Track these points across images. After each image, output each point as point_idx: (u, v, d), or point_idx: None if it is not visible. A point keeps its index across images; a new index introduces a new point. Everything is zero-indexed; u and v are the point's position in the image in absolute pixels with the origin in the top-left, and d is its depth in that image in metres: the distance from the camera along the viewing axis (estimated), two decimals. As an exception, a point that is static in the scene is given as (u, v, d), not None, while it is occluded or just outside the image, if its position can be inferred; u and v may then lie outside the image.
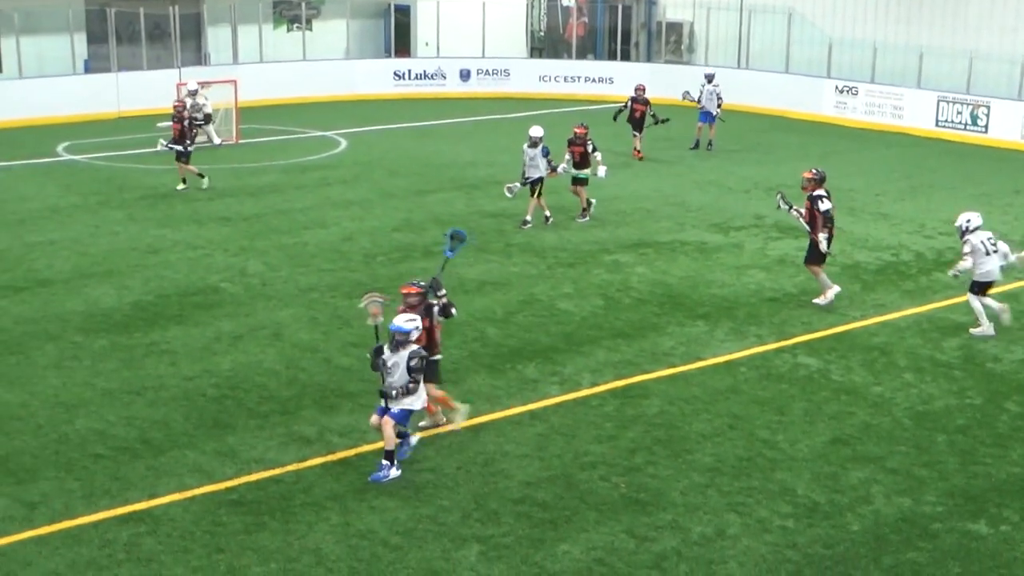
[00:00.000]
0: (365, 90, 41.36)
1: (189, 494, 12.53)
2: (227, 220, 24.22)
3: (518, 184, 23.60)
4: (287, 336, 17.41)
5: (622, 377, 15.99)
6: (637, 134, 31.69)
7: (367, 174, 29.09)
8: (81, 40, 38.46)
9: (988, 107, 34.87)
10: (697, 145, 32.91)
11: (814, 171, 19.08)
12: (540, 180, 23.49)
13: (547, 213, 23.87)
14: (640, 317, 18.49)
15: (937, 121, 35.93)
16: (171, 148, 26.81)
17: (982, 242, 17.88)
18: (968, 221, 17.98)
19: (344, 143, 33.24)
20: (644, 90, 31.97)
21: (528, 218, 23.68)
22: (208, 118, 32.42)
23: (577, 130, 24.31)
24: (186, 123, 26.71)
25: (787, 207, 19.22)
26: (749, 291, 19.93)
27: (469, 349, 16.89)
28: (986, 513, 12.43)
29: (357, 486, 12.74)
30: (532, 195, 23.60)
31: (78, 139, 31.82)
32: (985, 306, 17.90)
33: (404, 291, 13.48)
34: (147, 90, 36.45)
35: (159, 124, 32.66)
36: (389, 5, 44.86)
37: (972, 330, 17.91)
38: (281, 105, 38.60)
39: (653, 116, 31.12)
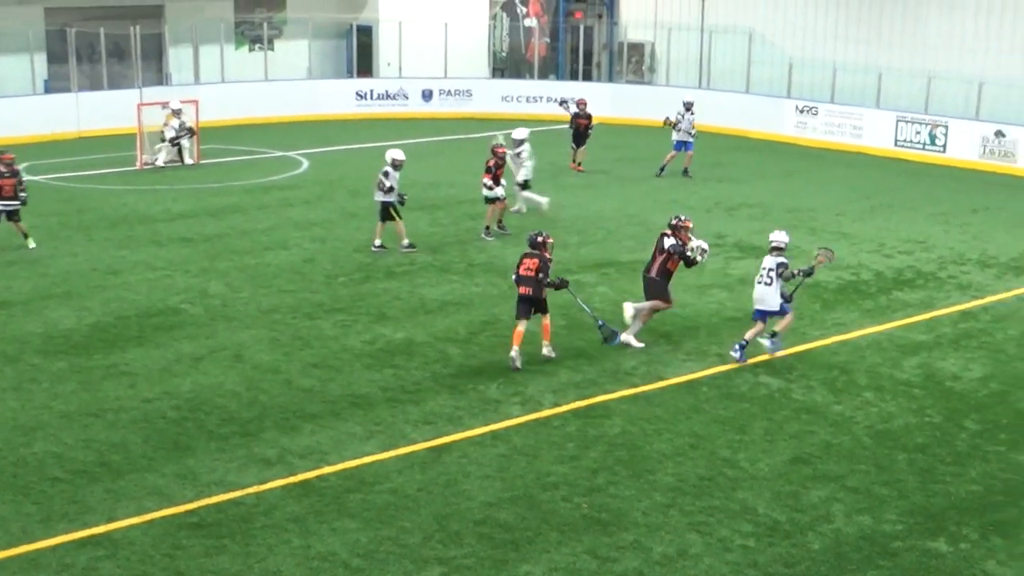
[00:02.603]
0: (327, 110, 41.30)
1: (148, 517, 12.44)
2: (188, 241, 24.12)
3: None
4: (248, 358, 17.34)
5: (584, 397, 16.01)
6: (576, 147, 32.22)
7: (329, 194, 29.03)
8: (41, 60, 38.25)
9: (946, 127, 35.17)
10: (663, 171, 32.46)
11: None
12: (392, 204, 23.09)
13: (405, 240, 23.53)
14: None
15: (896, 141, 36.21)
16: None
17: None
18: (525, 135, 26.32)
19: (306, 163, 33.19)
20: (586, 104, 32.44)
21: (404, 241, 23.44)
22: (191, 131, 32.43)
23: (500, 151, 24.80)
24: (21, 174, 23.48)
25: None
26: (710, 310, 19.99)
27: (431, 370, 16.88)
28: (946, 531, 12.50)
29: (318, 508, 12.69)
30: (389, 219, 23.15)
31: (38, 159, 31.61)
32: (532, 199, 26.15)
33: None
34: (107, 110, 36.32)
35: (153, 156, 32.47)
36: (351, 25, 44.86)
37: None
38: (243, 125, 38.52)
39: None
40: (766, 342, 17.61)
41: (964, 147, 34.69)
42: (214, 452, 14.07)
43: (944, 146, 35.09)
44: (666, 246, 17.94)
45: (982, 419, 15.54)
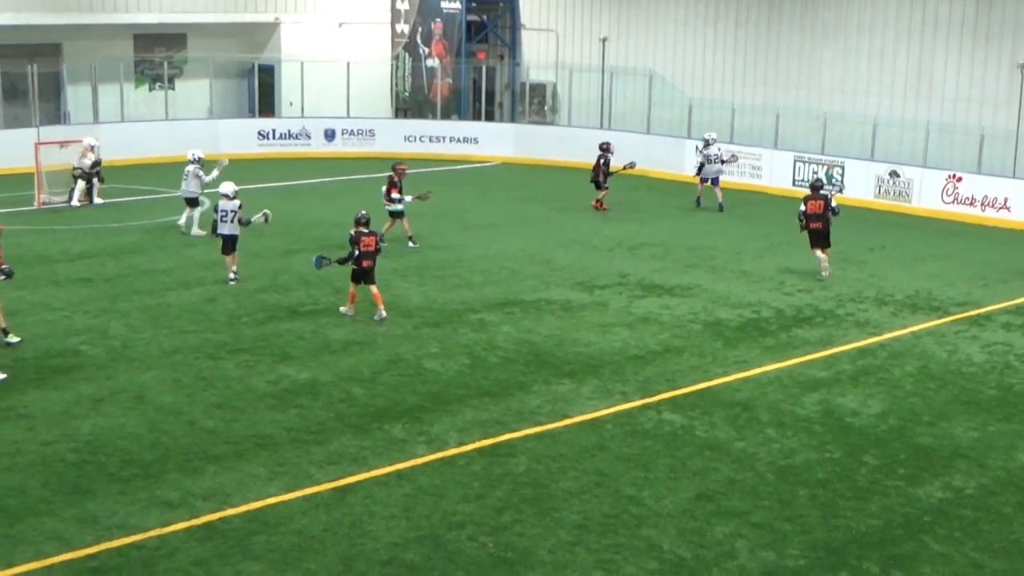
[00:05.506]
0: (229, 149, 40.81)
1: (47, 562, 12.22)
2: (88, 281, 23.79)
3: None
4: (150, 399, 17.13)
5: (489, 436, 16.02)
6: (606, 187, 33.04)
7: (231, 234, 28.75)
8: (-64, 99, 37.68)
9: (843, 166, 35.82)
10: (699, 203, 33.92)
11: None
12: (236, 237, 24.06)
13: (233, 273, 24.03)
14: (507, 376, 18.56)
15: (794, 180, 36.74)
16: None
17: None
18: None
19: (207, 202, 32.88)
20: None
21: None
22: (99, 174, 32.19)
23: (401, 168, 27.86)
24: None
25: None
26: (614, 349, 20.12)
27: (336, 410, 16.80)
28: (847, 565, 12.67)
29: (221, 550, 12.55)
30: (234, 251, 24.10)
31: (-68, 199, 31.04)
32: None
33: None
34: (4, 150, 35.75)
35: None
36: (253, 65, 44.68)
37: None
38: (143, 164, 38.13)
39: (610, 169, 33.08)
40: None
41: (860, 187, 35.33)
42: (115, 495, 13.86)
43: (841, 186, 35.72)
44: (833, 205, 25.34)
45: (881, 454, 15.80)
